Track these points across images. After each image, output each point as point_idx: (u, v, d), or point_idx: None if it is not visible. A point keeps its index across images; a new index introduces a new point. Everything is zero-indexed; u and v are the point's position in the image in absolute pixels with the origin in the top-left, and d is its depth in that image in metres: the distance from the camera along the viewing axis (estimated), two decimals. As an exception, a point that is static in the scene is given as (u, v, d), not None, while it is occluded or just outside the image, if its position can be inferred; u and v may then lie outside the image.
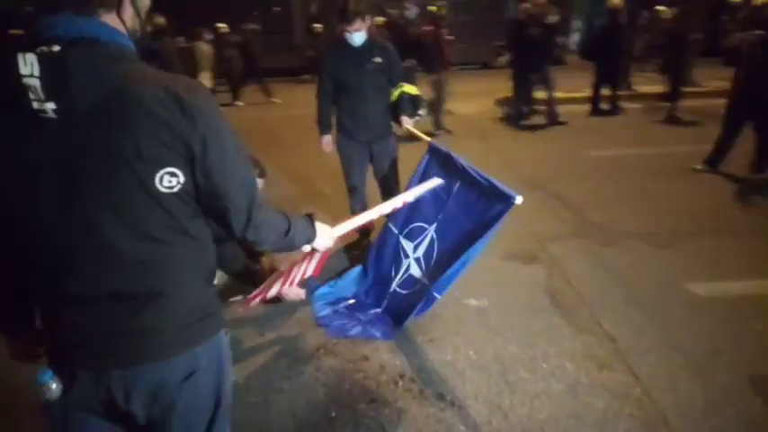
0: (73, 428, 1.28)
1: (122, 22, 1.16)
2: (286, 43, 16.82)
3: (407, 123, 3.82)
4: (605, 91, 9.37)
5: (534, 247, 4.18)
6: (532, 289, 3.55)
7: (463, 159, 3.01)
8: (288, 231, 1.43)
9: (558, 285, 3.59)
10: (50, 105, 1.02)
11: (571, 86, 10.07)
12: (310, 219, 1.60)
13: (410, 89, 3.89)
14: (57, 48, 1.03)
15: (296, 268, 2.34)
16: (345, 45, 3.67)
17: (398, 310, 3.12)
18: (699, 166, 5.84)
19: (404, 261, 3.25)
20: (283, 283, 2.42)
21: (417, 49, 8.15)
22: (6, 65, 1.01)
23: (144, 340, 1.20)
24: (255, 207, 1.28)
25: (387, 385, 2.67)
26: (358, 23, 3.52)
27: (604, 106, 9.44)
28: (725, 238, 4.20)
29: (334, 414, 2.48)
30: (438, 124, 8.43)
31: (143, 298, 1.18)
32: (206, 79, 10.62)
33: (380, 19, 9.69)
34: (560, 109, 8.75)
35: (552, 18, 8.50)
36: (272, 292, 2.29)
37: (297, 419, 2.47)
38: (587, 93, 9.82)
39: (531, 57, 8.32)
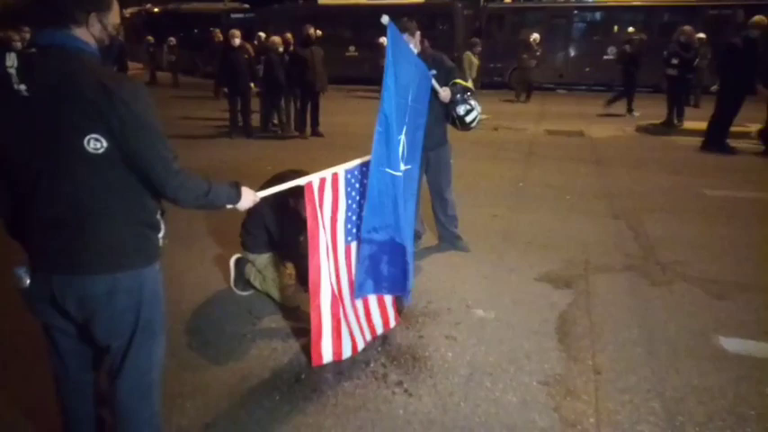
0: (38, 313, 1.86)
1: (90, 35, 1.71)
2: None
3: (440, 88, 3.87)
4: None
5: (576, 273, 4.13)
6: (547, 312, 3.57)
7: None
8: (207, 194, 1.87)
9: (575, 313, 3.56)
10: (23, 86, 1.59)
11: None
12: (236, 185, 2.06)
13: (463, 82, 4.10)
14: (33, 50, 1.62)
15: (359, 318, 3.11)
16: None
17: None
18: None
19: (400, 185, 3.03)
20: (365, 339, 3.16)
21: None
22: (1, 60, 1.61)
23: (75, 258, 1.74)
24: (171, 174, 1.74)
25: (358, 364, 3.00)
26: (405, 38, 3.86)
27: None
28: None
29: (303, 376, 2.89)
30: None
31: (76, 228, 1.72)
32: None
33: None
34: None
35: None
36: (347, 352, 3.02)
37: (273, 373, 2.93)
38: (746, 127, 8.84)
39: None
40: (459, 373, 2.94)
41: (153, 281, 1.90)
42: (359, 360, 3.04)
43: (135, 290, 1.84)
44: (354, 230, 3.04)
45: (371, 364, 3.01)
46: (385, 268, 3.08)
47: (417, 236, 4.60)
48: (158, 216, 1.89)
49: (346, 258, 3.03)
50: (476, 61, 11.42)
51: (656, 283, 3.98)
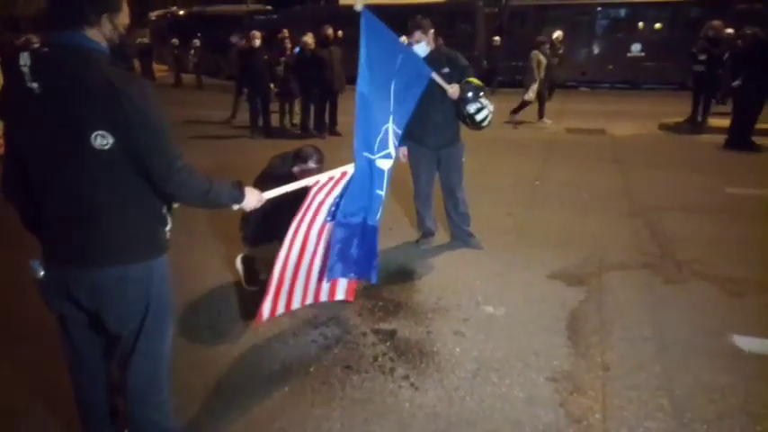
0: (52, 304, 1.94)
1: (102, 35, 1.78)
2: (466, 55, 17.33)
3: (447, 85, 3.93)
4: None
5: (589, 271, 4.10)
6: (558, 309, 3.56)
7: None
8: (208, 192, 1.91)
9: (586, 311, 3.54)
10: (35, 84, 1.66)
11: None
12: (239, 184, 2.09)
13: (476, 81, 4.09)
14: (46, 49, 1.69)
15: (308, 283, 3.17)
16: (414, 57, 4.04)
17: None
18: None
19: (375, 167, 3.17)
20: (304, 300, 3.24)
21: None
22: (15, 59, 1.69)
23: (85, 251, 1.81)
24: (173, 171, 1.79)
25: (367, 358, 3.04)
26: (418, 35, 3.90)
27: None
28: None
29: (312, 369, 2.95)
30: None
31: (86, 222, 1.79)
32: (532, 90, 10.55)
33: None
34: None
35: None
36: (280, 308, 3.09)
37: (283, 366, 2.98)
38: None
39: None
40: (466, 369, 2.96)
41: (161, 273, 1.96)
42: (367, 354, 3.08)
43: (144, 281, 1.90)
44: (333, 210, 3.07)
45: (379, 359, 3.04)
46: (355, 252, 3.14)
47: (430, 233, 4.62)
48: (164, 211, 1.95)
49: (318, 236, 3.09)
50: (543, 60, 10.83)
51: (671, 281, 3.94)
